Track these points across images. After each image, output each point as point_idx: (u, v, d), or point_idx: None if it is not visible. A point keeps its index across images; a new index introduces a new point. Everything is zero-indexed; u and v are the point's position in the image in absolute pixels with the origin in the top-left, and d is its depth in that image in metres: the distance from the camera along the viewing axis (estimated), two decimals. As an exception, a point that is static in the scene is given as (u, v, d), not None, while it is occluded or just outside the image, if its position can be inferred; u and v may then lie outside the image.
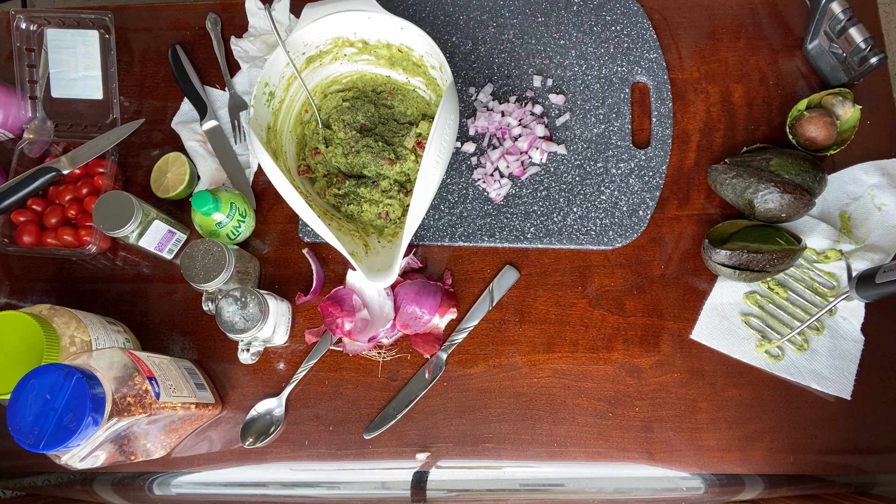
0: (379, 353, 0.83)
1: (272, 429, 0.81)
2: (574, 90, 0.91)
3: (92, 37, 0.92)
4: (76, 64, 0.92)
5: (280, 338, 0.82)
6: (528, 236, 0.85)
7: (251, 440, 0.80)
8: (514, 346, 0.83)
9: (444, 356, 0.82)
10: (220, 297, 0.74)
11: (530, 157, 0.88)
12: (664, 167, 0.87)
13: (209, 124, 0.91)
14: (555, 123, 0.90)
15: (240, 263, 0.80)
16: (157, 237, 0.83)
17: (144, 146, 0.92)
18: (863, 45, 0.83)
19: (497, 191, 0.86)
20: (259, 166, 0.90)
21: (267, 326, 0.76)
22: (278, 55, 0.80)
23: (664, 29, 0.93)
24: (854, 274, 0.75)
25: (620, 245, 0.85)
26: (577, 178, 0.87)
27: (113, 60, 0.92)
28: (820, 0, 0.86)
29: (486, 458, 0.80)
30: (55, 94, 0.92)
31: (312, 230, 0.85)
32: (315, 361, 0.83)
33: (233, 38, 0.95)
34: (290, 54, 0.79)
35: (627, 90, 0.90)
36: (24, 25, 0.90)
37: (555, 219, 0.86)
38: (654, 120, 0.89)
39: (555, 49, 0.92)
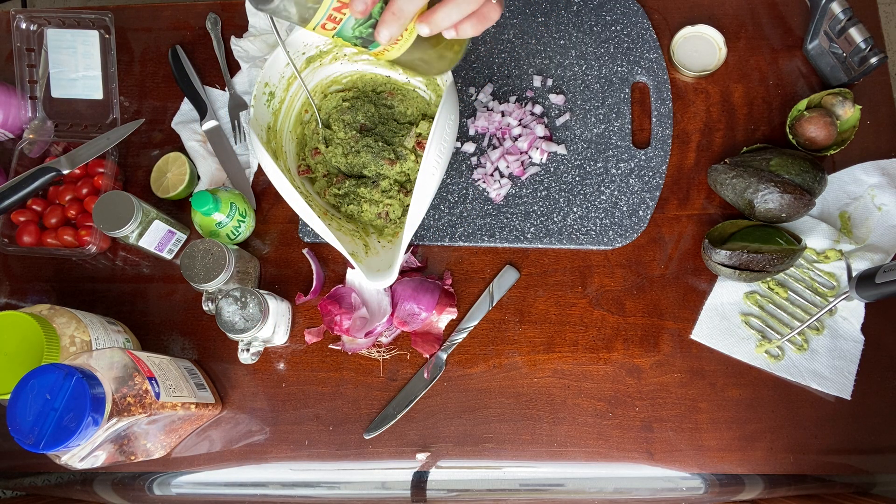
0: (378, 351, 0.83)
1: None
2: (574, 90, 0.91)
3: (92, 37, 0.92)
4: (76, 64, 0.92)
5: (280, 338, 0.82)
6: (528, 236, 0.86)
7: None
8: (514, 346, 0.83)
9: (444, 356, 0.82)
10: (220, 297, 0.74)
11: (530, 157, 0.88)
12: (664, 167, 0.87)
13: (209, 124, 0.91)
14: (555, 123, 0.90)
15: (240, 263, 0.80)
16: (157, 237, 0.83)
17: (144, 146, 0.92)
18: (863, 45, 0.83)
19: (497, 191, 0.86)
20: (259, 166, 0.91)
21: (267, 326, 0.76)
22: (278, 55, 0.80)
23: (664, 29, 0.93)
24: (854, 274, 0.75)
25: (620, 245, 0.85)
26: (577, 178, 0.87)
27: (113, 60, 0.92)
28: (820, 0, 0.86)
29: (486, 458, 0.80)
30: (55, 94, 0.92)
31: (312, 230, 0.85)
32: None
33: (233, 38, 0.95)
34: (290, 54, 0.79)
35: (627, 90, 0.90)
36: (24, 25, 0.90)
37: (555, 219, 0.86)
38: (654, 120, 0.89)
39: (555, 49, 0.92)
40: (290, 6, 0.51)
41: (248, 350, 0.79)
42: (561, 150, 0.88)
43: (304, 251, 0.87)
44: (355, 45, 0.57)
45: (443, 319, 0.84)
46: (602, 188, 0.87)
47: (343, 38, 0.55)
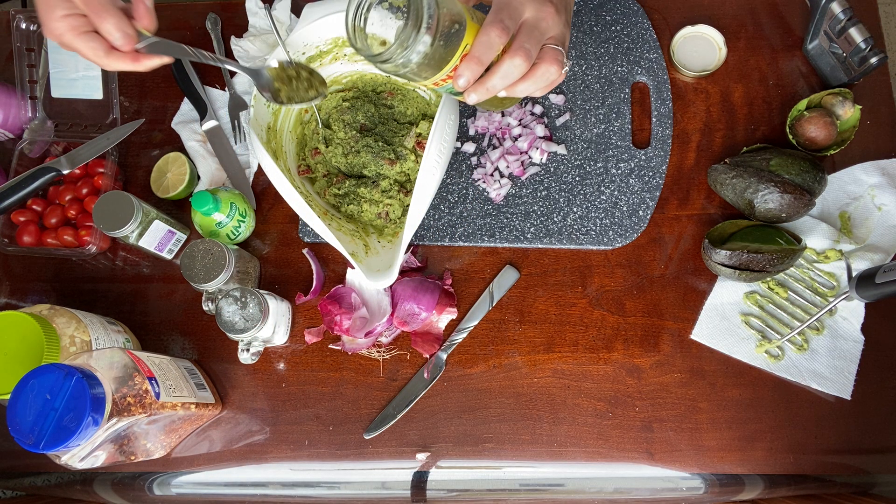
0: (378, 351, 0.83)
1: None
2: (574, 90, 0.91)
3: (92, 37, 0.91)
4: (76, 64, 0.92)
5: (280, 338, 0.82)
6: (528, 236, 0.86)
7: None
8: (514, 346, 0.83)
9: (444, 356, 0.82)
10: (220, 297, 0.74)
11: (530, 157, 0.88)
12: (664, 167, 0.87)
13: (209, 124, 0.91)
14: (555, 123, 0.90)
15: (240, 263, 0.80)
16: (157, 237, 0.83)
17: (144, 146, 0.92)
18: (863, 45, 0.83)
19: (497, 191, 0.86)
20: (259, 166, 0.91)
21: (267, 326, 0.76)
22: (278, 55, 0.80)
23: (664, 29, 0.93)
24: (854, 274, 0.74)
25: (620, 245, 0.85)
26: (577, 178, 0.87)
27: (113, 60, 0.92)
28: (820, 0, 0.86)
29: (486, 458, 0.80)
30: (55, 94, 0.92)
31: (312, 230, 0.85)
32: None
33: (233, 38, 0.95)
34: (290, 54, 0.79)
35: (627, 90, 0.90)
36: (24, 25, 0.90)
37: (555, 219, 0.86)
38: (654, 120, 0.89)
39: (555, 49, 0.92)
40: (409, 74, 0.57)
41: (248, 350, 0.79)
42: (561, 150, 0.88)
43: (304, 251, 0.87)
44: (441, 90, 0.63)
45: (443, 319, 0.84)
46: (602, 188, 0.87)
47: (437, 91, 0.63)
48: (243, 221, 0.84)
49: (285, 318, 0.82)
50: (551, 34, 0.59)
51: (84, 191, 0.87)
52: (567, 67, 0.62)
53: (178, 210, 0.90)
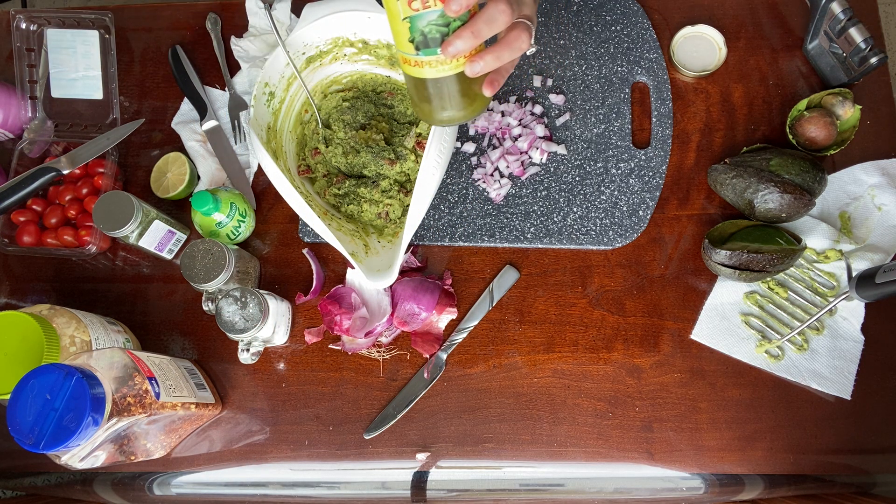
0: (378, 351, 0.83)
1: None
2: (574, 90, 0.91)
3: (92, 37, 0.92)
4: (76, 64, 0.92)
5: (280, 338, 0.82)
6: (528, 236, 0.86)
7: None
8: (514, 346, 0.83)
9: (444, 356, 0.82)
10: (220, 297, 0.74)
11: (530, 157, 0.88)
12: (664, 167, 0.87)
13: (209, 124, 0.91)
14: (555, 123, 0.90)
15: (240, 263, 0.80)
16: (157, 237, 0.83)
17: (144, 146, 0.92)
18: (863, 45, 0.83)
19: (497, 191, 0.86)
20: (259, 166, 0.91)
21: (267, 326, 0.76)
22: (278, 55, 0.80)
23: (664, 29, 0.93)
24: (854, 274, 0.75)
25: (620, 245, 0.85)
26: (577, 178, 0.87)
27: (113, 60, 0.92)
28: (820, 0, 0.86)
29: (486, 458, 0.80)
30: (55, 94, 0.92)
31: (312, 230, 0.85)
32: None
33: (233, 38, 0.95)
34: (290, 54, 0.79)
35: (627, 90, 0.90)
36: (24, 25, 0.90)
37: (555, 219, 0.86)
38: (654, 120, 0.89)
39: (555, 49, 0.92)
40: None
41: (248, 350, 0.79)
42: (561, 150, 0.88)
43: (304, 251, 0.87)
44: (410, 41, 0.57)
45: (443, 319, 0.84)
46: (602, 188, 0.87)
47: (412, 28, 0.57)
48: (243, 221, 0.84)
49: (285, 318, 0.82)
50: (526, 11, 0.62)
51: (84, 191, 0.87)
52: (534, 49, 0.64)
53: (178, 210, 0.90)
